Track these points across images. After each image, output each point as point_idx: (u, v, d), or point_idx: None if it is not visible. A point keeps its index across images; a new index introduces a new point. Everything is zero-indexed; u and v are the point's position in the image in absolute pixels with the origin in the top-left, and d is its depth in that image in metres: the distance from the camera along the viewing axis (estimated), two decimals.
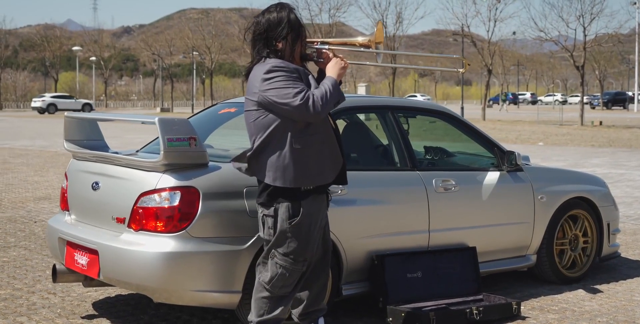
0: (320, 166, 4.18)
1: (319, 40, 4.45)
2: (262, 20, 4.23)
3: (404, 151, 5.66)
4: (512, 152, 6.04)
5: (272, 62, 4.12)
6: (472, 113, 52.40)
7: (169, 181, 4.71)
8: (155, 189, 4.72)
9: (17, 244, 8.05)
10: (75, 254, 5.18)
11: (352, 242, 5.24)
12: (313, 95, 4.02)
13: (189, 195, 4.68)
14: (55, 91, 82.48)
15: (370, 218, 5.33)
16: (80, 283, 5.44)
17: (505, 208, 6.06)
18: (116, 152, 5.47)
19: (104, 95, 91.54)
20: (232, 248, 4.71)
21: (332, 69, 4.24)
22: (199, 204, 4.68)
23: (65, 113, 5.63)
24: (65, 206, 5.57)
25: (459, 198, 5.77)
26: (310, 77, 4.22)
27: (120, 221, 4.89)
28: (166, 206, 4.68)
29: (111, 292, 6.06)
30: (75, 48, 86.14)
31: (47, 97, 64.59)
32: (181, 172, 4.73)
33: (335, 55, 4.33)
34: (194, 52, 76.58)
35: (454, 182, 5.74)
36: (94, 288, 6.06)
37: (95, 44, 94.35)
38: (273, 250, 4.23)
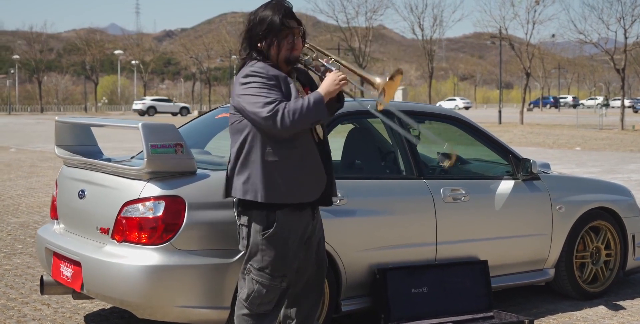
0: (297, 183, 3.80)
1: (334, 57, 4.02)
2: (252, 16, 3.91)
3: (410, 158, 5.34)
4: (527, 160, 5.69)
5: (254, 65, 3.80)
6: (510, 117, 51.75)
7: (153, 189, 4.45)
8: (139, 199, 4.47)
9: (24, 251, 7.87)
10: (61, 265, 4.94)
11: (352, 255, 4.94)
12: (285, 108, 3.63)
13: (174, 205, 4.42)
14: (96, 95, 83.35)
15: (372, 229, 5.02)
16: None
17: (520, 219, 5.71)
18: (109, 159, 5.24)
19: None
20: (219, 261, 4.44)
21: (325, 84, 3.79)
22: (184, 214, 4.41)
23: (56, 117, 5.41)
24: (54, 214, 5.35)
25: (469, 208, 5.43)
26: (292, 86, 3.80)
27: (105, 231, 4.64)
28: (150, 216, 4.42)
29: (107, 303, 5.82)
30: (116, 52, 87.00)
31: (147, 100, 67.34)
32: (166, 181, 4.47)
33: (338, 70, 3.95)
34: (233, 56, 76.74)
35: (463, 192, 5.41)
36: (90, 299, 5.83)
37: (137, 47, 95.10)
38: (249, 264, 3.91)
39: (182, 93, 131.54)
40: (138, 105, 66.64)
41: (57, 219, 5.30)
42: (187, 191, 4.43)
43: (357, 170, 5.34)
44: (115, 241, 4.54)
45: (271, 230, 3.79)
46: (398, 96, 44.91)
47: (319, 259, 4.12)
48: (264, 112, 3.62)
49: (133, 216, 4.46)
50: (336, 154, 5.54)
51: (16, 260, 7.42)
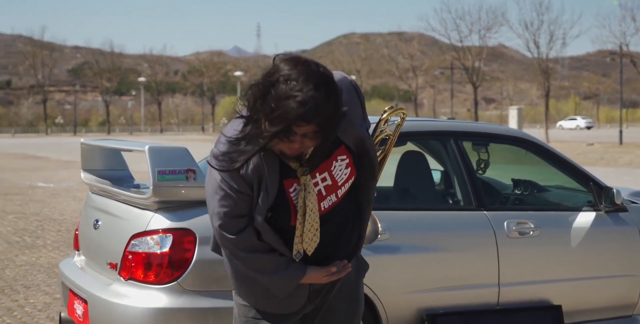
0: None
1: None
2: (274, 77, 2.51)
3: (469, 187, 4.65)
4: (609, 189, 4.89)
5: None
6: (635, 137, 49.38)
7: (161, 221, 3.95)
8: (145, 231, 3.97)
9: None
10: (75, 302, 4.50)
11: (395, 297, 4.29)
12: (246, 235, 2.64)
13: (183, 239, 3.90)
14: (213, 115, 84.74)
15: (420, 269, 4.36)
16: None
17: (603, 257, 4.91)
18: (137, 186, 4.77)
19: None
20: (232, 304, 3.87)
21: (314, 274, 2.70)
22: (194, 250, 3.88)
23: (82, 140, 4.99)
24: (77, 245, 4.93)
25: (539, 245, 4.69)
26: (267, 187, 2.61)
27: (113, 267, 4.17)
28: (157, 251, 3.91)
29: None
30: (237, 73, 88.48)
31: None
32: (176, 212, 3.96)
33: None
34: (352, 77, 76.74)
35: (532, 225, 4.67)
36: None
37: (258, 68, 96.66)
38: None
39: None
40: None
41: (78, 251, 4.88)
42: (198, 224, 3.90)
43: (404, 200, 4.70)
44: (121, 278, 4.05)
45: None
46: (513, 116, 43.53)
47: None
48: (219, 222, 2.66)
49: (139, 251, 3.96)
50: (387, 180, 4.94)
51: None
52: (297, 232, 2.61)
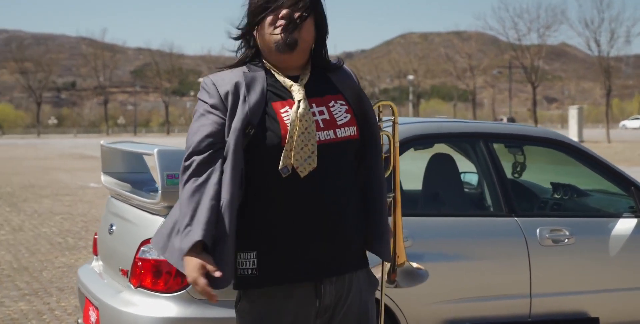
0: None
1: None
2: None
3: (499, 191, 4.41)
4: None
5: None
6: None
7: None
8: None
9: None
10: (90, 309, 4.38)
11: (418, 308, 4.08)
12: (194, 169, 2.45)
13: None
14: None
15: (445, 278, 4.13)
16: None
17: None
18: (157, 189, 4.63)
19: None
20: None
21: (187, 268, 2.38)
22: None
23: (101, 142, 4.88)
24: (95, 250, 4.82)
25: (575, 253, 4.42)
26: (247, 98, 2.49)
27: (125, 273, 4.04)
28: None
29: None
30: None
31: None
32: None
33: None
34: (410, 77, 76.39)
35: (567, 233, 4.41)
36: None
37: None
38: None
39: None
40: None
41: (97, 256, 4.77)
42: None
43: (429, 205, 4.48)
44: (132, 285, 3.92)
45: (238, 304, 2.71)
46: (573, 115, 42.65)
47: None
48: (186, 152, 2.51)
49: (149, 258, 3.82)
50: (415, 184, 4.75)
51: None
52: (287, 146, 2.43)
